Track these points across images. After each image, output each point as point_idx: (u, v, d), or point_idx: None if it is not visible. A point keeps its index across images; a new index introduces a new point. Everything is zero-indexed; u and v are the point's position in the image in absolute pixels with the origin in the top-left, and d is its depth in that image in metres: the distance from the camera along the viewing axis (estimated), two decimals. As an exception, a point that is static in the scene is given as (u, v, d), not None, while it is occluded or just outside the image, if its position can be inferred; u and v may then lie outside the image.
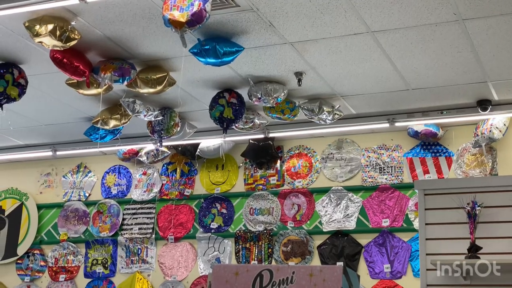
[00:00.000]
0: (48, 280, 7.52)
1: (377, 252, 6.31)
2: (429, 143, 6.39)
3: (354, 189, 6.56)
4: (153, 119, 6.03)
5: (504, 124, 5.86)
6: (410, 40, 4.78)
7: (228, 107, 5.72)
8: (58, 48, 4.70)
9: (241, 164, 7.10)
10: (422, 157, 6.40)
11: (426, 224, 4.06)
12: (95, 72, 5.14)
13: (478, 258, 3.85)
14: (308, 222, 6.65)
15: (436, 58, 5.06)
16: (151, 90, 5.36)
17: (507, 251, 3.89)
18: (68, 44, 4.63)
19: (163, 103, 6.11)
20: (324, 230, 6.54)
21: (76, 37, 4.64)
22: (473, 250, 3.84)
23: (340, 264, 6.26)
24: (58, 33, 4.52)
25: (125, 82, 5.17)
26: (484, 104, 5.78)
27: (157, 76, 5.30)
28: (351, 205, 6.52)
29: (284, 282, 1.96)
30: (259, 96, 5.57)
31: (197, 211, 7.11)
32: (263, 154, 6.82)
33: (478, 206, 3.89)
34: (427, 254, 3.98)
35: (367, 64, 5.24)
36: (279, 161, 6.92)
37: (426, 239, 4.02)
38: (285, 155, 6.94)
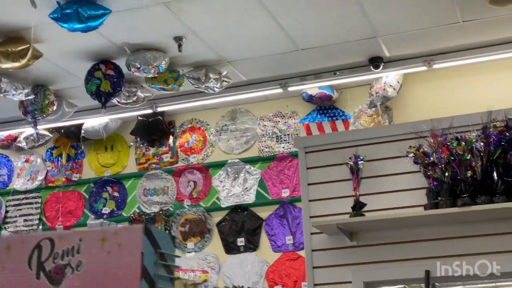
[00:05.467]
0: None
1: (278, 224, 6.03)
2: (325, 107, 6.13)
3: (251, 161, 6.24)
4: (24, 98, 5.49)
5: (398, 82, 5.67)
6: (291, -6, 4.47)
7: (105, 80, 5.28)
8: None
9: (131, 143, 6.65)
10: (319, 122, 6.14)
11: (309, 184, 3.76)
12: None
13: (363, 215, 3.57)
14: (206, 199, 6.28)
15: (321, 12, 4.78)
16: (15, 64, 4.84)
17: (392, 206, 3.63)
18: None
19: (35, 80, 5.57)
20: (223, 206, 6.20)
21: None
22: (358, 208, 3.54)
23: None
24: None
25: (-19, 58, 4.63)
26: (376, 62, 5.58)
27: (19, 48, 4.79)
28: (250, 178, 6.20)
29: (68, 252, 1.57)
30: (138, 66, 5.16)
31: (87, 196, 6.63)
32: (154, 130, 6.37)
33: (361, 160, 3.61)
34: (311, 217, 3.69)
35: (250, 23, 4.90)
36: (171, 137, 6.50)
37: (310, 200, 3.72)
38: (177, 130, 6.54)
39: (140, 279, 1.51)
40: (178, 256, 1.69)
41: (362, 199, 3.59)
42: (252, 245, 6.04)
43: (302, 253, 5.90)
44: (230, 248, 6.08)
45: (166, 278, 1.59)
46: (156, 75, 5.36)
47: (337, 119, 6.09)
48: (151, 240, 1.56)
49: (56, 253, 1.55)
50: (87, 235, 1.59)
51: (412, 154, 3.52)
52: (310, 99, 6.00)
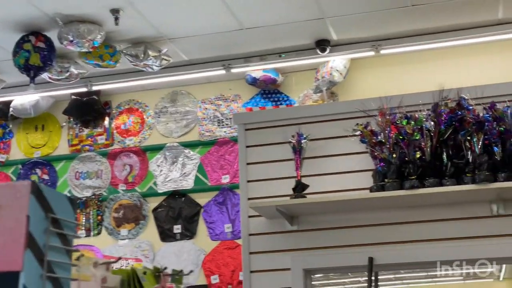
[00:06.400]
0: None
1: (217, 212, 5.78)
2: (269, 91, 5.91)
3: (191, 145, 5.96)
4: None
5: (345, 67, 5.48)
6: (235, -35, 4.22)
7: (35, 53, 4.94)
8: None
9: (64, 124, 6.28)
10: (263, 106, 5.91)
11: (248, 163, 3.51)
12: None
13: (305, 197, 3.33)
14: (142, 183, 5.98)
15: (267, -11, 4.55)
16: None
17: (337, 188, 3.41)
18: None
19: (-42, 51, 5.17)
20: (160, 191, 5.90)
21: None
22: (299, 189, 3.31)
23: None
24: None
25: None
26: (323, 45, 5.39)
27: None
28: (188, 163, 5.93)
29: None
30: (71, 39, 4.83)
31: (14, 178, 6.22)
32: (88, 110, 6.04)
33: (304, 139, 3.38)
34: (249, 199, 3.44)
35: (192, -2, 4.63)
36: (107, 118, 6.16)
37: (248, 181, 3.47)
38: (113, 111, 6.20)
39: (24, 249, 1.21)
40: (78, 224, 1.41)
41: (304, 180, 3.35)
42: (189, 233, 5.78)
43: (241, 241, 5.67)
44: (166, 235, 5.81)
45: (60, 250, 1.29)
46: (91, 50, 5.04)
47: (281, 103, 5.88)
48: (41, 202, 1.25)
49: None
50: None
51: (359, 132, 3.31)
52: (254, 82, 5.77)
